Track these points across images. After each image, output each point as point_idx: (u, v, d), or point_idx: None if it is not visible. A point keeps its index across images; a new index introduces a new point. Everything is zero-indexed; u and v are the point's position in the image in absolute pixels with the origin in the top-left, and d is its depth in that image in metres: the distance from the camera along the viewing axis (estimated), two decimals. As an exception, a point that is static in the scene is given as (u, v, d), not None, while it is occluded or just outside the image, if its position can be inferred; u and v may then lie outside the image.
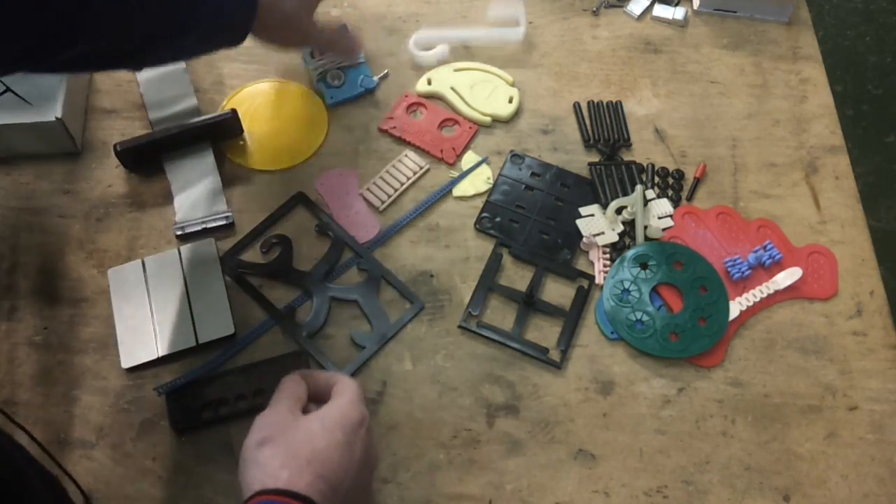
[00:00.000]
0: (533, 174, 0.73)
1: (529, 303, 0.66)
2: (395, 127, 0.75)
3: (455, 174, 0.73)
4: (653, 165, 0.74)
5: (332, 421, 0.49)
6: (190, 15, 0.54)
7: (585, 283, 0.68)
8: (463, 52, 0.80)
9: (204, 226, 0.68)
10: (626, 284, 0.67)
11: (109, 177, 0.71)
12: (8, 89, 0.67)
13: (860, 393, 0.64)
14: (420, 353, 0.64)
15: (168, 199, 0.69)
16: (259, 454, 0.47)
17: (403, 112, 0.75)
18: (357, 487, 0.49)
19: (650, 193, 0.72)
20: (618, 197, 0.71)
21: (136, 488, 0.59)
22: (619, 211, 0.70)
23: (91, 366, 0.63)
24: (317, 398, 0.53)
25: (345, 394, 0.52)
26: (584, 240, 0.69)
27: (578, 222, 0.70)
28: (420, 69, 0.78)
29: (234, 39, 0.60)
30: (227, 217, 0.69)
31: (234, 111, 0.70)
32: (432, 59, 0.78)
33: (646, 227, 0.69)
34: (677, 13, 0.82)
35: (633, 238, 0.70)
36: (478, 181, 0.72)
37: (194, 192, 0.69)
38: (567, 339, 0.65)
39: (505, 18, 0.80)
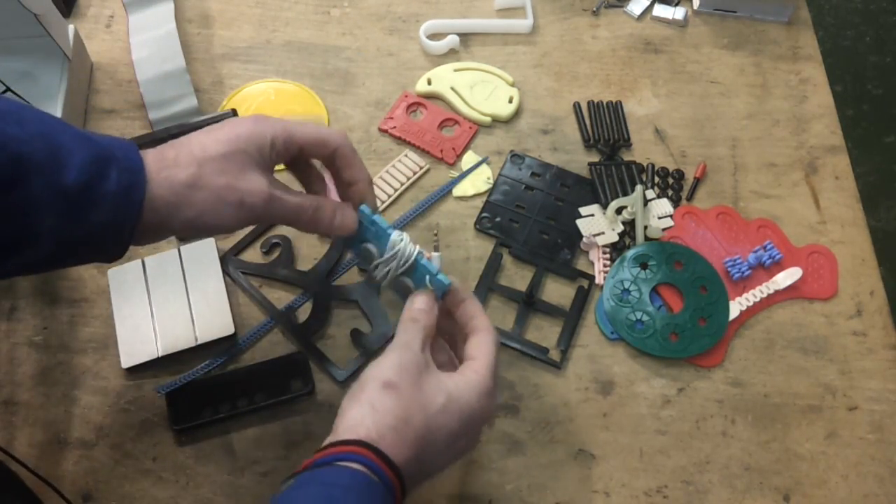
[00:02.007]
0: (533, 174, 0.73)
1: (529, 303, 0.66)
2: (395, 127, 0.75)
3: (455, 174, 0.73)
4: (653, 165, 0.74)
5: (457, 406, 0.46)
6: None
7: (585, 283, 0.68)
8: (464, 52, 0.80)
9: (204, 226, 0.68)
10: (626, 284, 0.67)
11: (109, 177, 0.71)
12: (8, 89, 0.67)
13: (860, 393, 0.64)
14: (420, 353, 0.64)
15: (168, 199, 0.69)
16: (378, 396, 0.44)
17: (403, 112, 0.75)
18: (442, 467, 0.47)
19: (650, 193, 0.72)
20: (618, 197, 0.71)
21: (136, 488, 0.59)
22: (619, 211, 0.70)
23: (91, 366, 0.63)
24: (444, 331, 0.51)
25: (480, 370, 0.48)
26: (584, 240, 0.69)
27: (578, 222, 0.70)
28: (424, 67, 0.78)
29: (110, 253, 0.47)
30: (227, 217, 0.68)
31: (234, 111, 0.70)
32: (442, 49, 0.79)
33: (646, 227, 0.69)
34: (677, 13, 0.82)
35: (633, 238, 0.69)
36: (478, 181, 0.72)
37: (194, 193, 0.69)
38: (567, 339, 0.65)
39: (512, 5, 0.82)
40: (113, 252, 0.47)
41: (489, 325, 0.50)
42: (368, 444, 0.42)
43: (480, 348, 0.49)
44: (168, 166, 0.46)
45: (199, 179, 0.46)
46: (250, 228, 0.69)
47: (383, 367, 0.46)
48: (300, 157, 0.52)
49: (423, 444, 0.44)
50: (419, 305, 0.50)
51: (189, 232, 0.48)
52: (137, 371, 0.62)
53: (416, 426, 0.44)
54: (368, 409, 0.44)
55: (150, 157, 0.46)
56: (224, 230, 0.49)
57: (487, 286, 0.67)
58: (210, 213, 0.46)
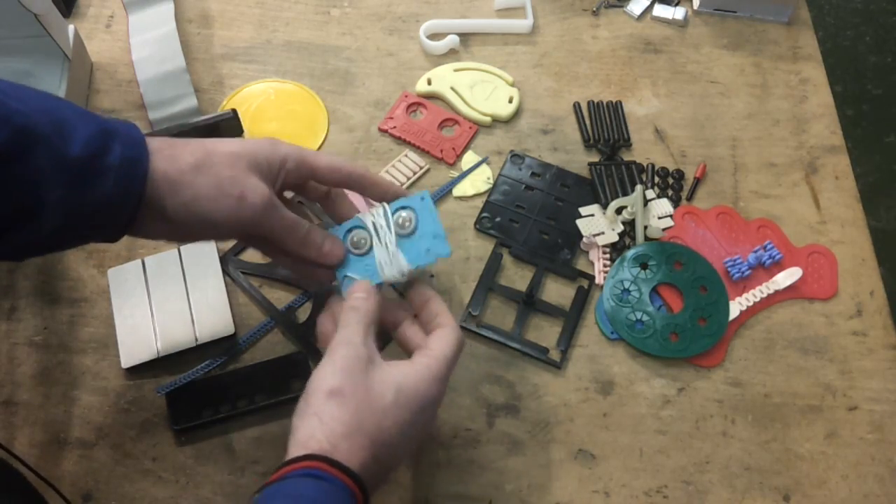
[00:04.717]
0: (533, 174, 0.73)
1: (529, 303, 0.66)
2: (395, 127, 0.75)
3: (455, 174, 0.73)
4: (653, 165, 0.74)
5: (407, 397, 0.46)
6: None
7: (585, 283, 0.68)
8: (464, 52, 0.80)
9: (204, 226, 0.68)
10: (626, 284, 0.67)
11: (109, 177, 0.71)
12: (8, 89, 0.67)
13: (860, 393, 0.64)
14: (420, 353, 0.64)
15: (168, 199, 0.69)
16: (325, 407, 0.44)
17: (403, 112, 0.75)
18: (402, 458, 0.47)
19: (650, 193, 0.72)
20: (618, 197, 0.71)
21: (136, 488, 0.59)
22: (619, 211, 0.70)
23: (91, 366, 0.63)
24: (390, 321, 0.52)
25: (433, 356, 0.48)
26: (584, 240, 0.69)
27: (578, 222, 0.70)
28: (424, 67, 0.78)
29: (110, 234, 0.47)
30: (227, 217, 0.68)
31: (234, 111, 0.70)
32: (442, 49, 0.79)
33: (646, 227, 0.69)
34: (677, 13, 0.82)
35: (633, 238, 0.69)
36: (478, 181, 0.72)
37: (194, 193, 0.69)
38: (567, 339, 0.65)
39: (512, 5, 0.82)
40: (115, 230, 0.47)
41: (454, 323, 0.51)
42: (322, 457, 0.42)
43: (440, 341, 0.49)
44: (175, 146, 0.46)
45: (204, 165, 0.46)
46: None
47: (325, 374, 0.45)
48: (316, 182, 0.53)
49: (378, 444, 0.44)
50: (357, 293, 0.50)
51: (180, 219, 0.46)
52: (137, 371, 0.62)
53: (368, 429, 0.44)
54: (317, 422, 0.43)
55: (159, 139, 0.46)
56: (216, 227, 0.48)
57: (487, 286, 0.67)
58: (206, 200, 0.46)
